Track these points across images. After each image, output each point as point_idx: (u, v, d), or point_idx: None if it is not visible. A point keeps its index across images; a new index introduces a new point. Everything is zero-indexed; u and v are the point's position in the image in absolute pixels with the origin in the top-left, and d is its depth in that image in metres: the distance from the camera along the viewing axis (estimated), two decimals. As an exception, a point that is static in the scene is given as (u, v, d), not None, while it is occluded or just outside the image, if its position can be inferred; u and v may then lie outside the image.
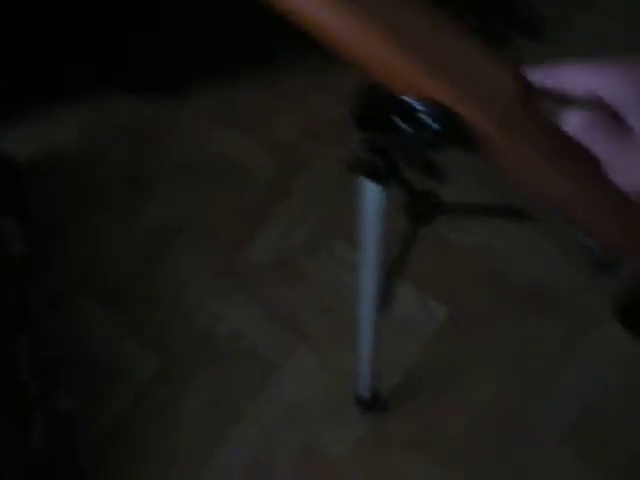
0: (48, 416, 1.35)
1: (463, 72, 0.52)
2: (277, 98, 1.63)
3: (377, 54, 0.52)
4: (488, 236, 1.38)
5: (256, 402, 1.37)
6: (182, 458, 1.35)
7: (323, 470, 1.30)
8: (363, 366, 1.14)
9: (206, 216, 1.57)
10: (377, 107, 0.61)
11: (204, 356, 1.44)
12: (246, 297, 1.47)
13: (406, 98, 0.53)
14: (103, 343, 1.49)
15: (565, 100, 0.46)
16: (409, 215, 0.97)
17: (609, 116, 0.43)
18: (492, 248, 1.39)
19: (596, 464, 1.22)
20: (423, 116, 0.52)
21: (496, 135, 0.51)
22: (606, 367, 1.29)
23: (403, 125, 0.54)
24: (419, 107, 0.52)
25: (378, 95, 0.60)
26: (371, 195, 0.73)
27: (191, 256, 1.53)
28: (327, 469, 1.30)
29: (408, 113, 0.53)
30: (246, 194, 1.57)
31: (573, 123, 0.44)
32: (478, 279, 1.37)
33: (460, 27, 0.53)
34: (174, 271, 1.52)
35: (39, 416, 1.33)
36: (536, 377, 1.30)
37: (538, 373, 1.30)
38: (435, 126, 0.52)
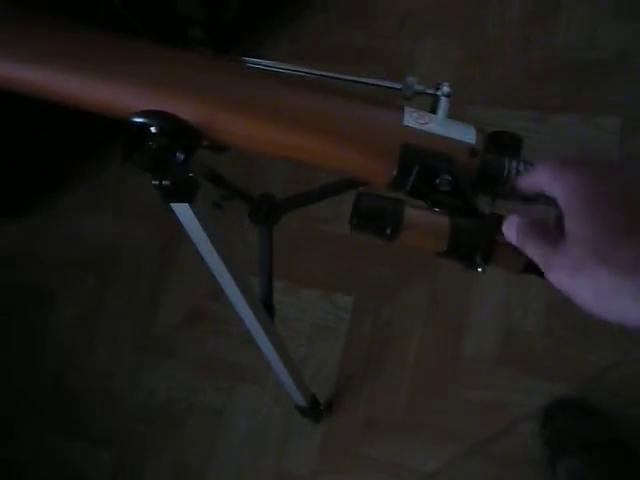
0: None
1: (168, 82, 0.57)
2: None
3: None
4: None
5: (217, 450, 1.40)
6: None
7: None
8: (285, 379, 1.16)
9: (113, 302, 1.60)
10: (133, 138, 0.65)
11: (151, 432, 1.45)
12: (173, 359, 1.49)
13: (135, 119, 0.58)
14: (53, 456, 1.49)
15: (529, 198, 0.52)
16: (257, 222, 1.02)
17: (550, 219, 0.47)
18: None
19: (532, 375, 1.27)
20: (154, 127, 0.58)
21: (215, 121, 0.57)
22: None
23: (146, 140, 0.59)
24: (145, 121, 0.58)
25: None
26: (183, 215, 0.78)
27: (108, 343, 1.56)
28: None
29: (142, 131, 0.58)
30: (143, 267, 1.61)
31: (511, 227, 0.49)
32: (368, 260, 1.43)
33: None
34: (100, 362, 1.55)
35: None
36: (451, 322, 1.35)
37: (454, 318, 1.35)
38: (168, 128, 0.58)
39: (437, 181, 0.53)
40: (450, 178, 0.53)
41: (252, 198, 0.99)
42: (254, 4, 1.60)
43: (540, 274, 0.52)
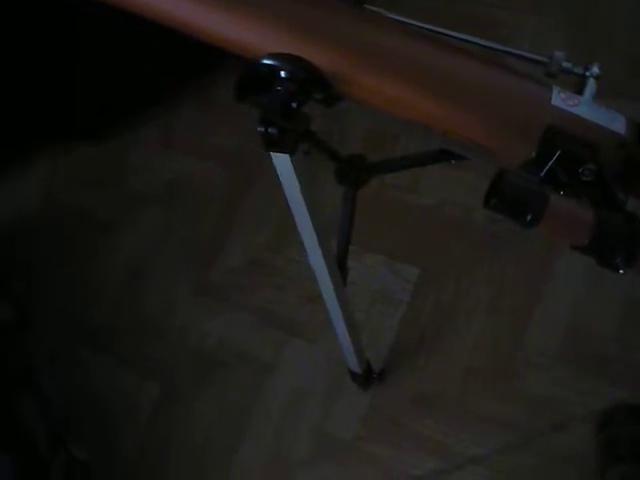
0: (65, 468, 1.37)
1: (308, 26, 0.54)
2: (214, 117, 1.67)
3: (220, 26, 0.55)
4: (441, 192, 1.41)
5: (260, 401, 1.40)
6: (204, 469, 1.37)
7: (339, 449, 1.32)
8: (345, 342, 1.15)
9: (174, 239, 1.60)
10: (253, 79, 0.62)
11: (201, 372, 1.46)
12: (228, 306, 1.49)
13: (265, 61, 0.55)
14: (104, 384, 1.52)
15: None
16: (342, 182, 0.99)
17: None
18: (449, 202, 1.41)
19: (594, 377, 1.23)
20: (284, 72, 0.55)
21: (350, 72, 0.54)
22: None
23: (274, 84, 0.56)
24: (277, 64, 0.55)
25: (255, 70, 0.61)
26: (281, 166, 0.75)
27: (167, 281, 1.56)
28: (342, 448, 1.32)
29: (272, 74, 0.55)
30: (207, 209, 1.60)
31: None
32: (441, 233, 1.39)
33: None
34: (155, 298, 1.55)
35: (56, 470, 1.35)
36: (517, 311, 1.31)
37: (520, 306, 1.32)
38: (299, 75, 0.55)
39: (580, 170, 0.49)
40: (594, 168, 0.49)
41: (341, 157, 0.96)
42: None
43: None
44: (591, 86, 0.56)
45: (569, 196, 0.51)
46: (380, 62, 0.52)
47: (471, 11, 1.57)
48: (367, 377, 1.28)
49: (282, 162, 0.75)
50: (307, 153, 1.02)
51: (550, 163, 0.50)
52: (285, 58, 0.53)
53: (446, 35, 0.57)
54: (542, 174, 0.51)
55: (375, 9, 0.57)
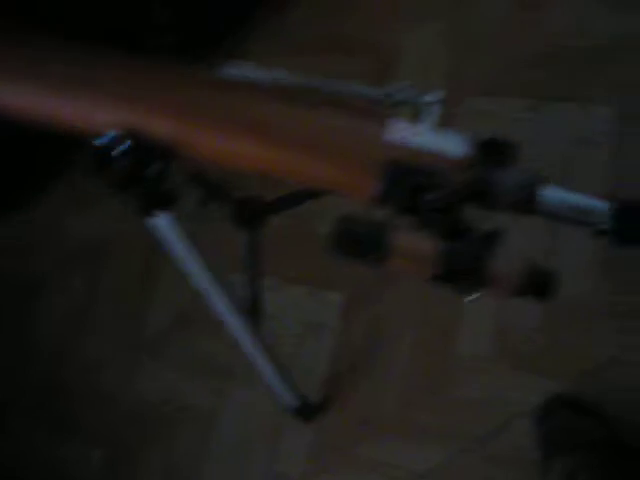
0: None
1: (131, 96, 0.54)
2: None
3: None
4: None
5: (207, 452, 1.37)
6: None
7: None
8: (273, 382, 1.14)
9: (104, 299, 1.57)
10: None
11: (143, 432, 1.43)
12: (163, 360, 1.47)
13: (103, 138, 0.54)
14: (43, 454, 1.47)
15: None
16: (240, 225, 0.98)
17: None
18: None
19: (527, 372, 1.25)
20: (122, 147, 0.54)
21: (184, 136, 0.53)
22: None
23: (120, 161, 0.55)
24: (113, 140, 0.54)
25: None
26: (159, 226, 0.74)
27: (101, 341, 1.53)
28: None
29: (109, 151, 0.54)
30: (133, 266, 1.58)
31: None
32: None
33: None
34: (89, 360, 1.52)
35: None
36: (444, 320, 1.32)
37: (446, 315, 1.33)
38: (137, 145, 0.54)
39: (426, 199, 0.50)
40: (440, 195, 0.50)
41: (234, 200, 0.96)
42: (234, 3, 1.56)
43: (538, 294, 0.49)
44: (434, 112, 0.56)
45: (421, 227, 0.51)
46: (217, 123, 0.52)
47: (353, 38, 1.59)
48: (305, 410, 1.27)
49: (160, 223, 0.74)
50: (204, 204, 1.01)
51: (397, 197, 0.50)
52: (122, 132, 0.52)
53: (283, 80, 0.57)
54: (394, 206, 0.51)
55: (210, 66, 0.56)
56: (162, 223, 0.73)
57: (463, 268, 0.47)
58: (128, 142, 0.52)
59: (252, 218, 0.96)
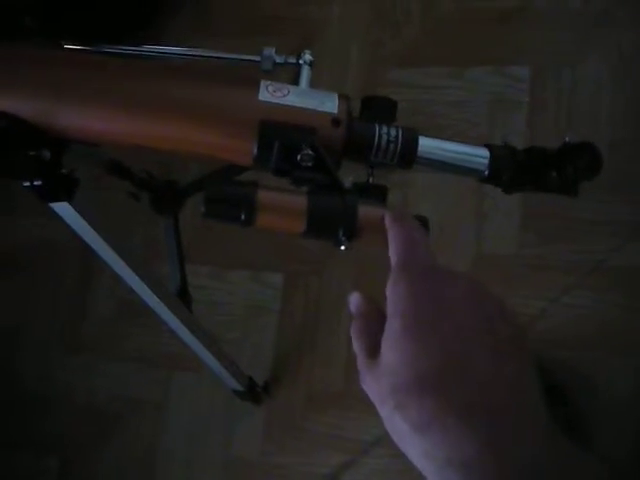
0: None
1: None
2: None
3: None
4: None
5: (162, 444, 1.37)
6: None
7: (248, 471, 1.32)
8: (215, 366, 1.14)
9: (39, 304, 1.55)
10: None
11: (96, 432, 1.42)
12: (106, 357, 1.46)
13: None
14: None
15: None
16: (162, 211, 0.98)
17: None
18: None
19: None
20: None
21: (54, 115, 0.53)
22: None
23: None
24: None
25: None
26: (65, 215, 0.74)
27: (41, 347, 1.51)
28: (251, 468, 1.32)
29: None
30: (67, 267, 1.55)
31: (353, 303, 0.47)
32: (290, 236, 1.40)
33: None
34: (31, 368, 1.50)
35: None
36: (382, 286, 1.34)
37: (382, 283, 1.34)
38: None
39: (298, 157, 0.50)
40: (312, 152, 0.51)
41: (154, 186, 0.95)
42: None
43: None
44: (306, 73, 0.57)
45: (301, 184, 0.52)
46: (81, 98, 0.52)
47: (276, 13, 1.59)
48: (253, 393, 1.27)
49: (64, 211, 0.73)
50: (132, 195, 1.01)
51: (271, 156, 0.51)
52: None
53: (159, 54, 0.58)
54: (272, 167, 0.52)
55: (76, 45, 0.56)
56: (64, 211, 0.72)
57: (331, 220, 0.48)
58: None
59: (169, 203, 0.96)
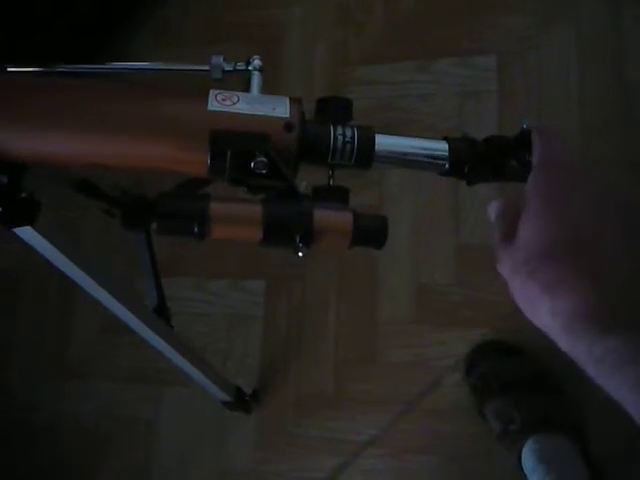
0: None
1: None
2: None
3: None
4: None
5: (156, 461, 1.36)
6: None
7: (243, 478, 1.31)
8: (199, 379, 1.13)
9: (21, 334, 1.53)
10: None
11: (89, 454, 1.41)
12: (94, 379, 1.44)
13: None
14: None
15: None
16: (132, 226, 0.96)
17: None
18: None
19: (449, 326, 1.27)
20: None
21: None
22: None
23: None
24: None
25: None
26: (30, 239, 0.73)
27: (24, 377, 1.49)
28: (245, 478, 1.31)
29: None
30: (46, 293, 1.54)
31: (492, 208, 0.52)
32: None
33: None
34: (17, 399, 1.48)
35: None
36: (363, 290, 1.33)
37: (365, 285, 1.34)
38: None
39: (252, 164, 0.50)
40: (265, 159, 0.50)
41: (124, 202, 0.94)
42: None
43: (370, 242, 0.50)
44: (256, 79, 0.57)
45: (253, 193, 0.51)
46: (29, 122, 0.51)
47: (240, 19, 1.58)
48: (242, 402, 1.26)
49: (28, 235, 0.72)
50: (107, 212, 0.99)
51: (224, 165, 0.50)
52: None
53: (105, 69, 0.57)
54: (227, 177, 0.51)
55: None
56: (29, 236, 0.71)
57: (287, 227, 0.47)
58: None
59: (138, 218, 0.95)
